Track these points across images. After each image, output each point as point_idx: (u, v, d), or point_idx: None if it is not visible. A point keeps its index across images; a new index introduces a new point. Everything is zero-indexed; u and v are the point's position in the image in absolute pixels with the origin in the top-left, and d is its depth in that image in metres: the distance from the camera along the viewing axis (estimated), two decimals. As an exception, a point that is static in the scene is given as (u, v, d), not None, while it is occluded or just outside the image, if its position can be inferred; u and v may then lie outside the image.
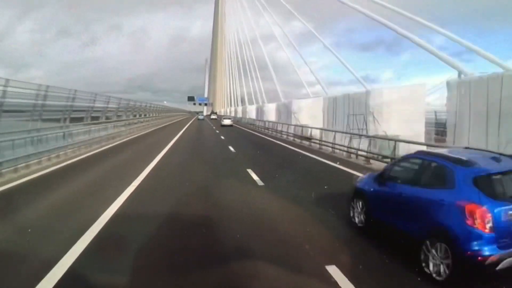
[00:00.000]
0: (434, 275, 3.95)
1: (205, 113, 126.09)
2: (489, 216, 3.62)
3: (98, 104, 18.64)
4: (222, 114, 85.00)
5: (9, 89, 9.73)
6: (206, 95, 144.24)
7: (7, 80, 9.77)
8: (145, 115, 38.74)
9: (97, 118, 19.40)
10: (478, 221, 3.64)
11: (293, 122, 26.43)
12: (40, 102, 11.81)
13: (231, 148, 17.91)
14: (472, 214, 3.67)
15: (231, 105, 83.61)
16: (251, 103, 57.52)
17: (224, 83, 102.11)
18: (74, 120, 15.87)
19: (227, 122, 45.95)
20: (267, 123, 35.43)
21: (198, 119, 76.99)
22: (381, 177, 5.22)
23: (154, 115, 45.65)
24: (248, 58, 56.80)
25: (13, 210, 6.52)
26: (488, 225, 3.63)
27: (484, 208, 3.65)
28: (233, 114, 70.44)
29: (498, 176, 3.92)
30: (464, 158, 4.25)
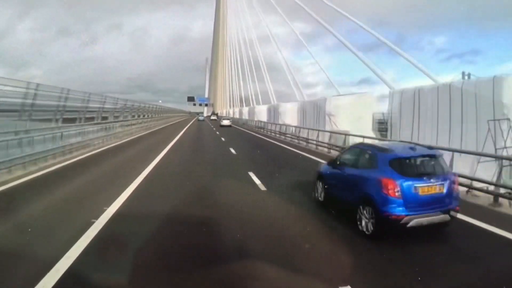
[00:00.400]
0: (364, 230, 5.48)
1: (205, 114, 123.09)
2: (398, 187, 5.14)
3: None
4: (224, 115, 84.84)
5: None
6: (206, 95, 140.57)
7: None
8: (132, 116, 33.59)
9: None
10: (390, 190, 5.16)
11: (327, 127, 20.27)
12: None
13: (254, 179, 9.92)
14: (386, 186, 5.20)
15: (234, 106, 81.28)
16: (257, 103, 55.68)
17: (225, 83, 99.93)
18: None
19: (226, 122, 49.51)
20: (284, 128, 28.13)
21: (198, 120, 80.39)
22: (334, 163, 6.76)
23: (152, 116, 43.91)
24: (254, 57, 56.34)
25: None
26: (398, 193, 5.15)
27: (395, 181, 5.16)
28: (237, 116, 67.62)
29: (407, 160, 5.46)
30: (386, 147, 5.80)
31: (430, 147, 6.16)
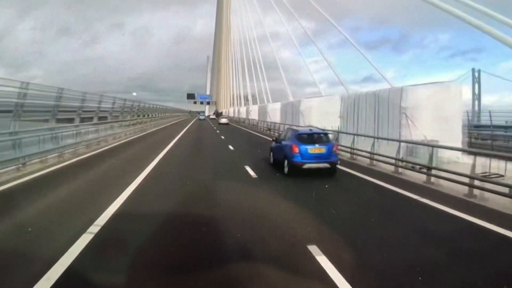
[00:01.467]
0: (285, 172, 11.01)
1: (207, 113, 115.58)
2: (298, 148, 10.67)
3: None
4: (231, 114, 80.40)
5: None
6: (208, 93, 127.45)
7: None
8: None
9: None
10: (294, 150, 10.70)
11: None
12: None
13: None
14: (293, 148, 10.73)
15: (239, 104, 77.16)
16: (260, 102, 54.29)
17: (230, 80, 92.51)
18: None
19: (223, 121, 58.61)
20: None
21: (199, 119, 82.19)
22: (276, 139, 12.36)
23: (148, 116, 40.55)
24: (261, 54, 56.03)
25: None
26: (298, 151, 10.67)
27: (297, 145, 10.70)
28: (255, 117, 52.64)
29: (305, 135, 11.01)
30: (297, 129, 11.41)
31: (323, 129, 11.70)
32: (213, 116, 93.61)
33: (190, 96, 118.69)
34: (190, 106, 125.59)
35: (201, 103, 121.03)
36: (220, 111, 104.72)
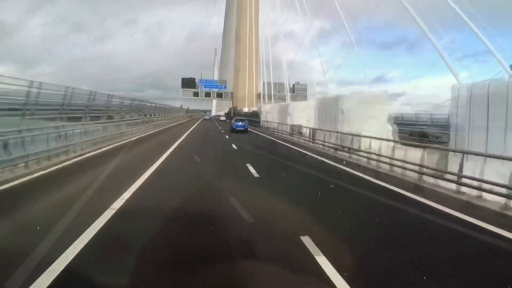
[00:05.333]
0: (231, 131, 35.93)
1: (214, 112, 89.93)
2: (234, 123, 36.20)
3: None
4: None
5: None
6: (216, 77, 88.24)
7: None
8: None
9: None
10: (233, 123, 36.24)
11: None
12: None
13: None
14: (233, 123, 36.84)
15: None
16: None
17: (247, 75, 66.26)
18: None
19: (223, 118, 77.27)
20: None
21: (205, 119, 72.86)
22: (230, 122, 37.21)
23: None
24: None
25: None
26: (234, 123, 36.22)
27: (234, 122, 35.89)
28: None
29: (238, 118, 37.39)
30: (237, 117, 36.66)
31: (243, 117, 36.45)
32: (223, 118, 71.39)
33: (188, 84, 71.02)
34: (188, 102, 79.05)
35: (208, 94, 73.45)
36: (245, 109, 70.63)
